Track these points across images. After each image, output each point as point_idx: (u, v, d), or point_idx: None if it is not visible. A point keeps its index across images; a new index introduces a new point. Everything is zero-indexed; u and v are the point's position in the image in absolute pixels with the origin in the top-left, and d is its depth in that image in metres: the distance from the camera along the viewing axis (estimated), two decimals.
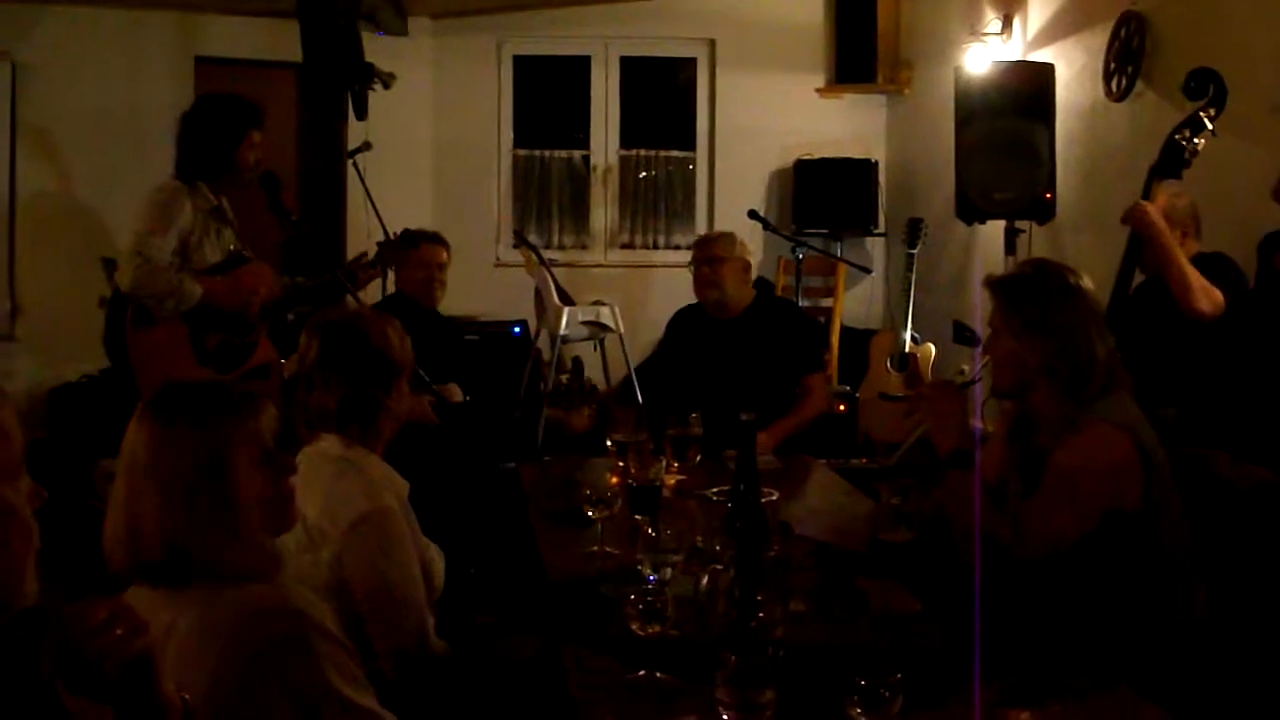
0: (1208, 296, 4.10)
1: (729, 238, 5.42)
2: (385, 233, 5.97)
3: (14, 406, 1.81)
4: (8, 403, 1.80)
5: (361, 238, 6.24)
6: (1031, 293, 3.15)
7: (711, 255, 5.32)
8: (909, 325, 7.24)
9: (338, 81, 6.93)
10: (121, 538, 2.15)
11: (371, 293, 6.12)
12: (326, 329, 3.09)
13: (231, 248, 5.06)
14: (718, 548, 2.77)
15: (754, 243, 7.44)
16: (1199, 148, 4.18)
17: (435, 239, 5.67)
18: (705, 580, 2.65)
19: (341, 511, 2.85)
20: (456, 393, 5.20)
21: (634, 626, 2.48)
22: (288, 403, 3.01)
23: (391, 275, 5.91)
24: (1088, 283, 3.17)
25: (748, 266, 5.38)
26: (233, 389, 2.30)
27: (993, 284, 3.26)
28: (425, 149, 8.94)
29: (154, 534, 2.12)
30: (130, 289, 4.73)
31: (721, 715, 2.10)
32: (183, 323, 4.84)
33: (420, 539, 3.05)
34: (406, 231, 5.66)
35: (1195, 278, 4.11)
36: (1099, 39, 6.00)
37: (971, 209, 6.48)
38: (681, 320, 5.60)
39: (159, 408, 2.20)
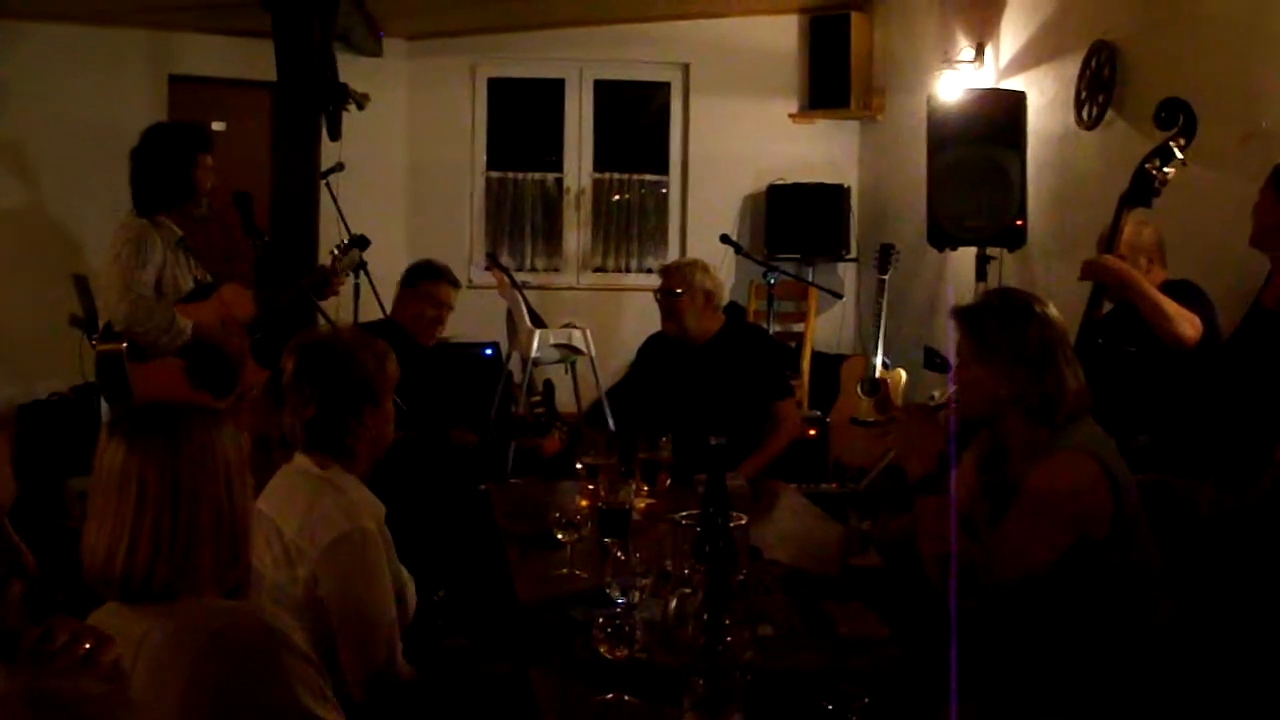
0: (1189, 323, 4.10)
1: (686, 270, 5.34)
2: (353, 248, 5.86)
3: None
4: None
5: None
6: (998, 323, 3.14)
7: (667, 288, 5.31)
8: (880, 350, 7.26)
9: (312, 102, 6.91)
10: (99, 556, 2.15)
11: (345, 310, 6.08)
12: (303, 348, 3.08)
13: (197, 276, 5.02)
14: (686, 571, 2.76)
15: (726, 267, 7.48)
16: (1169, 177, 4.20)
17: (452, 280, 5.60)
18: (674, 604, 2.63)
19: (320, 530, 2.84)
20: None
21: (602, 649, 2.48)
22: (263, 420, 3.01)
23: (370, 288, 5.86)
24: (1053, 310, 3.17)
25: (710, 297, 5.31)
26: (196, 407, 2.31)
27: (959, 314, 3.25)
28: (399, 170, 8.95)
29: (130, 552, 2.12)
30: (125, 325, 4.71)
31: None
32: (177, 356, 4.82)
33: (395, 563, 3.04)
34: (362, 237, 5.60)
35: (1171, 307, 4.11)
36: (1070, 68, 6.04)
37: (943, 235, 6.50)
38: (652, 345, 5.59)
39: (127, 426, 2.20)
